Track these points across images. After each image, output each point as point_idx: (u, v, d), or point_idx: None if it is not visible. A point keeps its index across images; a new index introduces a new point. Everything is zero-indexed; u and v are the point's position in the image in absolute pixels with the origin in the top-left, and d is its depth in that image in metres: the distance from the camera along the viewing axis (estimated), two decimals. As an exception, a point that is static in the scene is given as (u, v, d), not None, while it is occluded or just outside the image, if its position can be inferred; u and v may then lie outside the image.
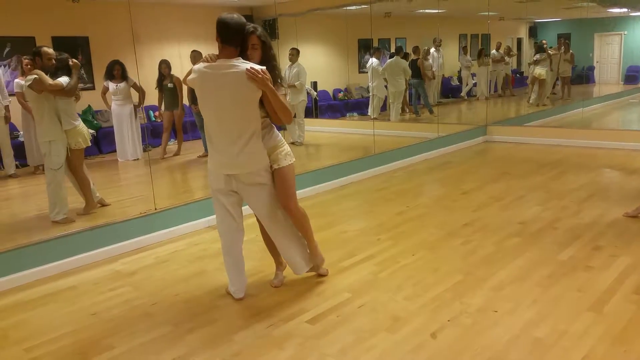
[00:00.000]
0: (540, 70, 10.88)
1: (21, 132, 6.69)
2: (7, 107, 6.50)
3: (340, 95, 11.53)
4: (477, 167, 7.03)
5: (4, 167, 6.47)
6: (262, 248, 3.73)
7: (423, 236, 4.38)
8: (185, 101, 7.73)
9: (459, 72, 13.16)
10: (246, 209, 3.39)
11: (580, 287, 3.30)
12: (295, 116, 8.06)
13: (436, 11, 9.90)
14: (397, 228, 4.62)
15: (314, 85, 10.20)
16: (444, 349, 2.70)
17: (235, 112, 3.04)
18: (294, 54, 8.29)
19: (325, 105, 10.99)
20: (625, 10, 11.26)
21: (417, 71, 10.52)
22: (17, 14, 6.62)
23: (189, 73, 3.15)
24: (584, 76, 11.53)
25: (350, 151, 8.21)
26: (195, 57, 7.48)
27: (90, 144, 5.04)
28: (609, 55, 11.60)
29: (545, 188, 5.68)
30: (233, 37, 3.01)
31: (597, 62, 11.69)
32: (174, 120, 7.77)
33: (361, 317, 3.07)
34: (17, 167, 6.54)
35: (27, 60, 5.94)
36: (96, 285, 3.75)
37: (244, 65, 2.99)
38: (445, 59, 11.99)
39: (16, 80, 6.30)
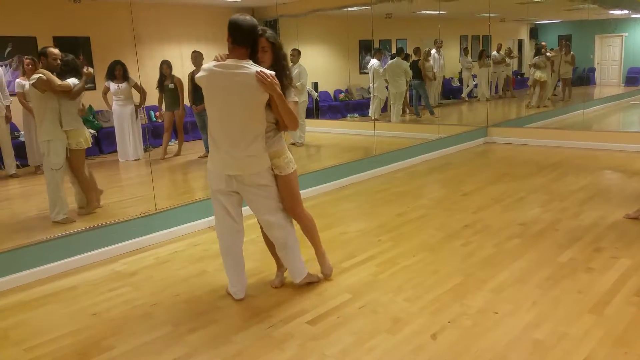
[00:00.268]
0: (540, 74, 10.91)
1: (22, 132, 6.70)
2: (8, 107, 6.51)
3: (341, 96, 11.54)
4: (477, 168, 7.03)
5: (4, 167, 6.47)
6: (262, 249, 3.73)
7: (423, 237, 4.38)
8: (186, 101, 7.74)
9: (460, 73, 13.17)
10: (246, 210, 3.39)
11: (580, 289, 3.30)
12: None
13: (437, 12, 9.90)
14: (397, 229, 4.62)
15: (315, 86, 10.21)
16: (444, 350, 2.70)
17: (241, 113, 3.05)
18: (295, 55, 8.30)
19: (326, 106, 11.00)
20: (626, 12, 11.26)
21: (418, 72, 10.53)
22: (19, 14, 6.63)
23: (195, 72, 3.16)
24: (584, 78, 11.54)
25: (351, 152, 8.22)
26: (196, 57, 7.49)
27: (91, 145, 5.04)
28: (609, 57, 11.61)
29: (545, 189, 5.68)
30: (245, 38, 3.03)
31: (597, 63, 11.70)
32: (175, 120, 7.78)
33: (361, 318, 3.06)
34: (17, 167, 6.55)
35: (28, 60, 5.96)
36: (96, 286, 3.75)
37: (254, 67, 3.01)
38: (446, 60, 11.99)
39: (17, 80, 6.31)
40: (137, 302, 3.44)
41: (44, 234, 4.35)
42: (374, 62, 10.16)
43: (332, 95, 11.50)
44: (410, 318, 3.03)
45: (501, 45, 12.44)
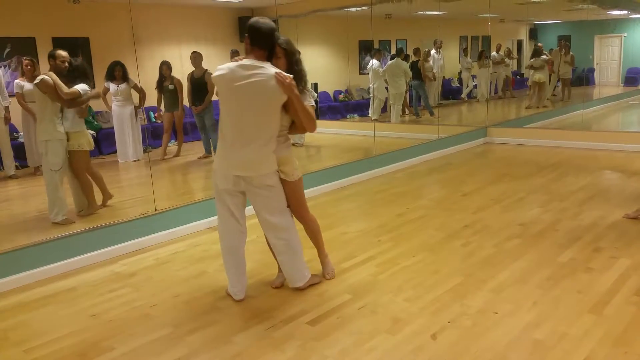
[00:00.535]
0: (539, 75, 10.93)
1: (21, 133, 6.69)
2: (7, 108, 6.50)
3: (341, 96, 11.54)
4: (477, 168, 7.03)
5: (3, 168, 6.46)
6: (262, 249, 3.72)
7: (423, 238, 4.38)
8: (186, 102, 7.74)
9: (460, 73, 13.18)
10: (246, 210, 3.38)
11: (580, 289, 3.30)
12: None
13: (437, 13, 9.91)
14: (397, 229, 4.62)
15: (315, 86, 10.20)
16: (444, 350, 2.70)
17: (258, 113, 3.05)
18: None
19: (325, 107, 11.00)
20: (625, 12, 11.28)
21: (418, 73, 10.53)
22: (18, 15, 6.63)
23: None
24: (584, 78, 11.56)
25: (351, 152, 8.22)
26: (196, 58, 7.49)
27: (93, 147, 5.04)
28: (609, 57, 11.62)
29: (545, 190, 5.68)
30: (264, 40, 3.06)
31: (597, 64, 11.71)
32: (175, 121, 7.78)
33: (361, 318, 3.06)
34: (17, 167, 6.54)
35: (27, 61, 5.96)
36: (96, 287, 3.75)
37: (273, 69, 3.03)
38: (445, 61, 12.01)
39: (16, 81, 6.30)
40: (136, 303, 3.44)
41: (43, 235, 4.35)
42: (373, 62, 10.16)
43: (331, 95, 11.50)
44: (410, 318, 3.03)
45: (500, 45, 12.45)
